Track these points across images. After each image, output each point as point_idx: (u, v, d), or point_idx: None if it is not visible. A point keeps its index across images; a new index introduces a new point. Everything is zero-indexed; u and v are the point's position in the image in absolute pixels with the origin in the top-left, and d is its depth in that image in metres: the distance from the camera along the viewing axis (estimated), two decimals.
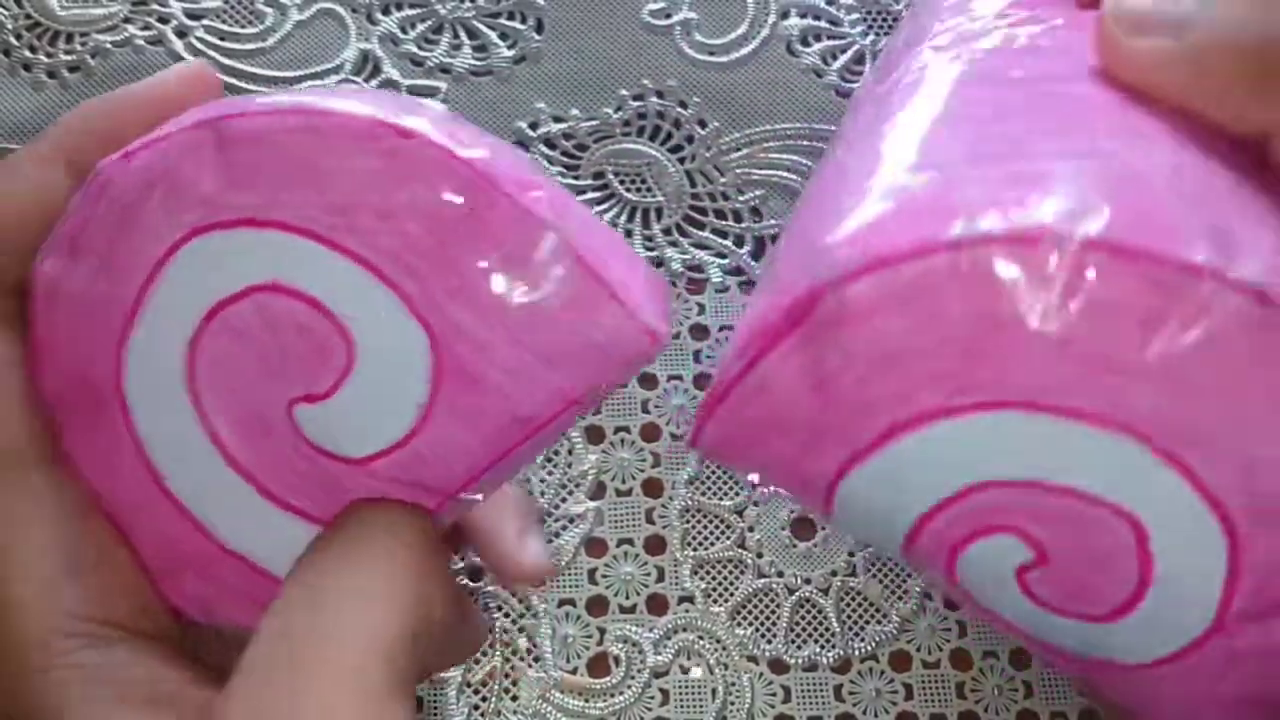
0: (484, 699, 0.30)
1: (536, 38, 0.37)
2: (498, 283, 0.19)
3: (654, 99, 0.36)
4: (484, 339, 0.19)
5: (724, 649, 0.31)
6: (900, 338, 0.17)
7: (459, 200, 0.18)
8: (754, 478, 0.32)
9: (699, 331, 0.34)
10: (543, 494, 0.32)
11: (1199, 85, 0.18)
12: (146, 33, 0.36)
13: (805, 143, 0.36)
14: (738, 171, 0.35)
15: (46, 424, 0.20)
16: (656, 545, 0.32)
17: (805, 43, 0.37)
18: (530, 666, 0.30)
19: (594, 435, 0.32)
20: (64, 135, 0.21)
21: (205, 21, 0.37)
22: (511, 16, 0.37)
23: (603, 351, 0.19)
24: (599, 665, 0.31)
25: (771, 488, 0.32)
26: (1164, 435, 0.16)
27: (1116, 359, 0.16)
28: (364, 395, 0.19)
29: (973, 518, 0.18)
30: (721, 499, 0.32)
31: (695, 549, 0.31)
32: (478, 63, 0.36)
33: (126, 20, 0.36)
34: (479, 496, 0.21)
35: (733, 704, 0.30)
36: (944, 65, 0.20)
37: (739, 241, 0.35)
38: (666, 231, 0.35)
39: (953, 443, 0.17)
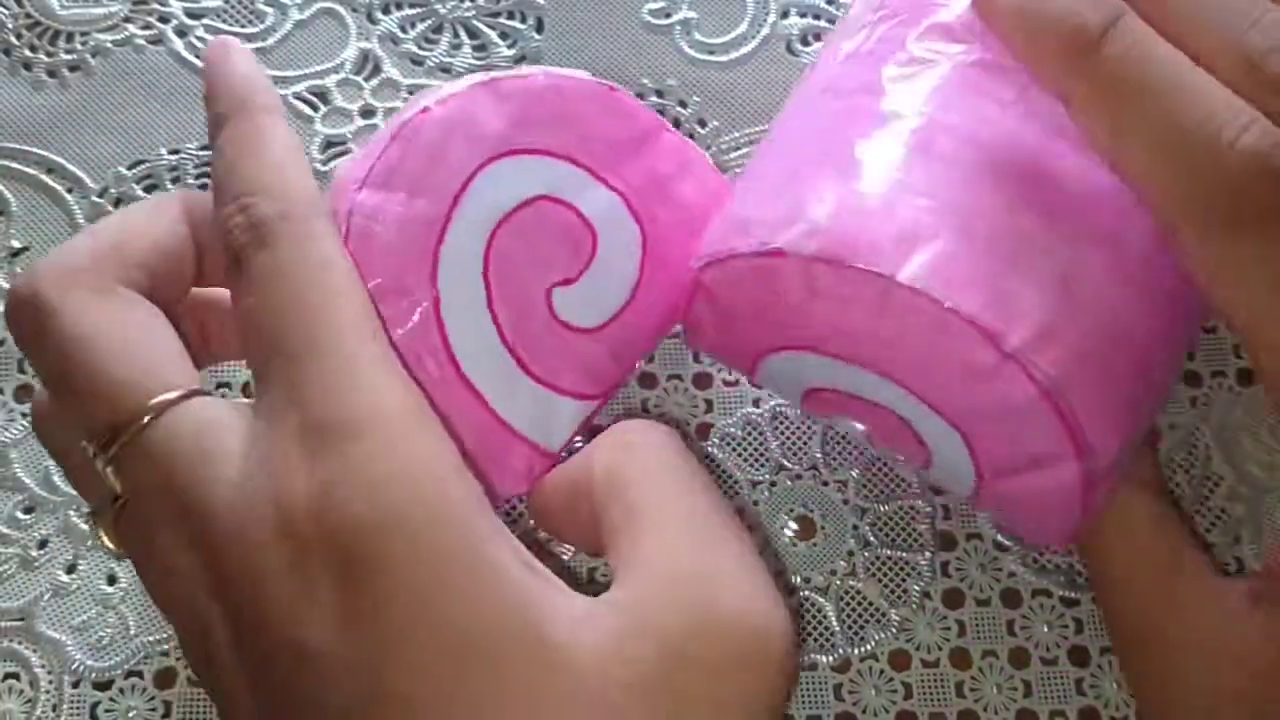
0: None
1: (536, 37, 0.37)
2: (683, 189, 0.28)
3: (654, 98, 0.36)
4: (669, 225, 0.28)
5: None
6: (739, 304, 0.26)
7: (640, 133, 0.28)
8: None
9: None
10: None
11: (1029, 43, 0.24)
12: (147, 32, 0.36)
13: None
14: (738, 171, 0.35)
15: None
16: None
17: (805, 42, 0.37)
18: None
19: (595, 435, 0.32)
20: (186, 194, 0.27)
21: (205, 21, 0.37)
22: (511, 16, 0.37)
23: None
24: None
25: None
26: (893, 368, 0.25)
27: (843, 326, 0.25)
28: (600, 278, 0.27)
29: (829, 403, 0.28)
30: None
31: None
32: (478, 62, 0.36)
33: (127, 19, 0.36)
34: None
35: None
36: (820, 70, 0.28)
37: None
38: None
39: (792, 364, 0.27)
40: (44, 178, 0.35)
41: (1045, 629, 0.31)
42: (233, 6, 0.37)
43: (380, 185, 0.25)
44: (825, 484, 0.32)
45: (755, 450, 0.32)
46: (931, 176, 0.24)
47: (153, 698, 0.30)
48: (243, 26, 0.37)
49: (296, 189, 0.24)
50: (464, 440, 0.24)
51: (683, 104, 0.36)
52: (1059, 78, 0.24)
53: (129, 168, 0.35)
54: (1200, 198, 0.22)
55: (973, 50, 0.25)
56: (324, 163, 0.35)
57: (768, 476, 0.32)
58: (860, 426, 0.29)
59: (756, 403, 0.33)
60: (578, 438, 0.28)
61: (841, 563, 0.31)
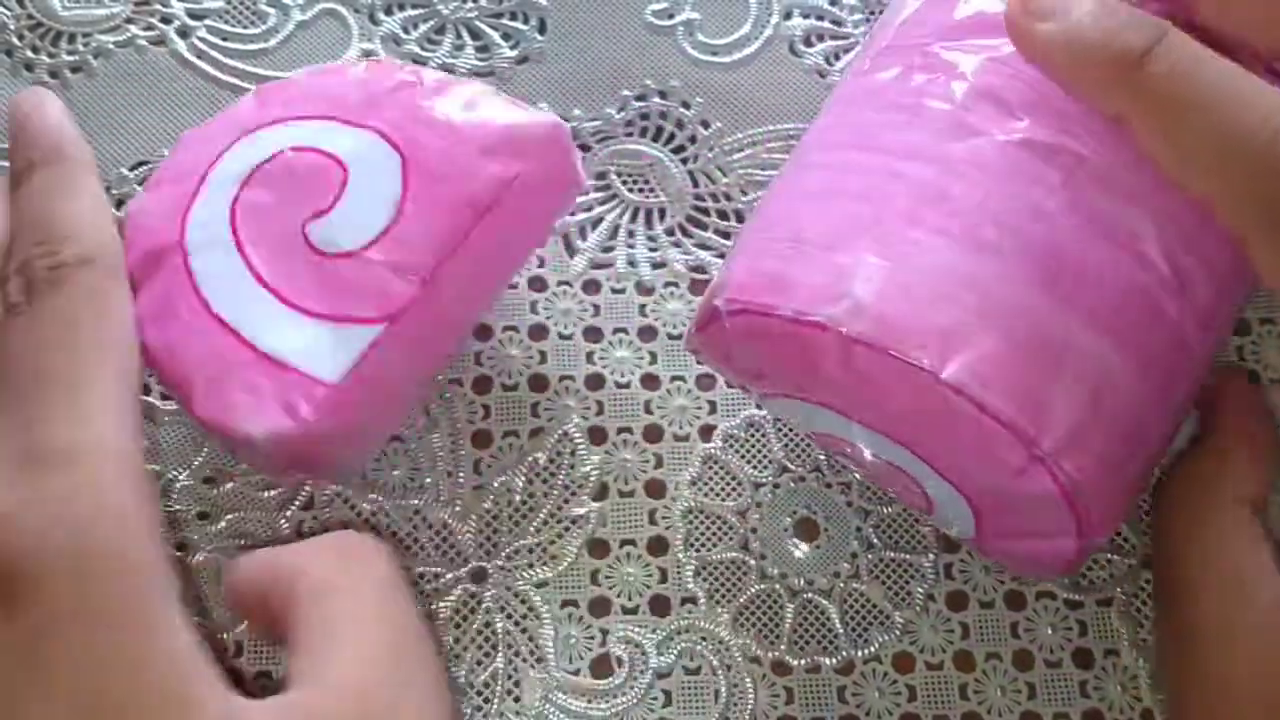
0: (486, 700, 0.30)
1: (539, 38, 0.37)
2: (450, 110, 0.28)
3: (657, 99, 0.36)
4: (436, 144, 0.28)
5: (727, 651, 0.31)
6: (756, 354, 0.27)
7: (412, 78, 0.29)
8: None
9: None
10: (546, 495, 0.32)
11: (1074, 71, 0.24)
12: (149, 33, 0.36)
13: None
14: (740, 172, 0.35)
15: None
16: (659, 546, 0.32)
17: (808, 43, 0.37)
18: (532, 668, 0.30)
19: (596, 436, 0.32)
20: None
21: (208, 22, 0.37)
22: (514, 17, 0.37)
23: (520, 138, 0.28)
24: (601, 667, 0.31)
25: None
26: (915, 443, 0.26)
27: (871, 400, 0.25)
28: (356, 203, 0.27)
29: (835, 443, 0.29)
30: (724, 501, 0.32)
31: (698, 551, 0.31)
32: (480, 63, 0.36)
33: (129, 21, 0.36)
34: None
35: (735, 706, 0.30)
36: (860, 88, 0.28)
37: None
38: (669, 232, 0.35)
39: (804, 411, 0.28)
40: None
41: (1049, 631, 0.31)
42: (234, 7, 0.37)
43: (153, 186, 0.29)
44: (829, 486, 0.32)
45: (758, 452, 0.32)
46: (978, 269, 0.24)
47: None
48: (244, 27, 0.37)
49: (101, 239, 0.26)
50: (228, 379, 0.26)
51: (686, 105, 0.36)
52: (1111, 101, 0.24)
53: (131, 169, 0.35)
54: (1263, 203, 0.23)
55: (1022, 126, 0.25)
56: None
57: (771, 478, 0.32)
58: (860, 467, 0.30)
59: (760, 405, 0.33)
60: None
61: (845, 565, 0.31)
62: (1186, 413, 0.28)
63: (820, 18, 0.37)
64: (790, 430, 0.33)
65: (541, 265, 0.34)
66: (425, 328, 0.27)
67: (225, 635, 0.30)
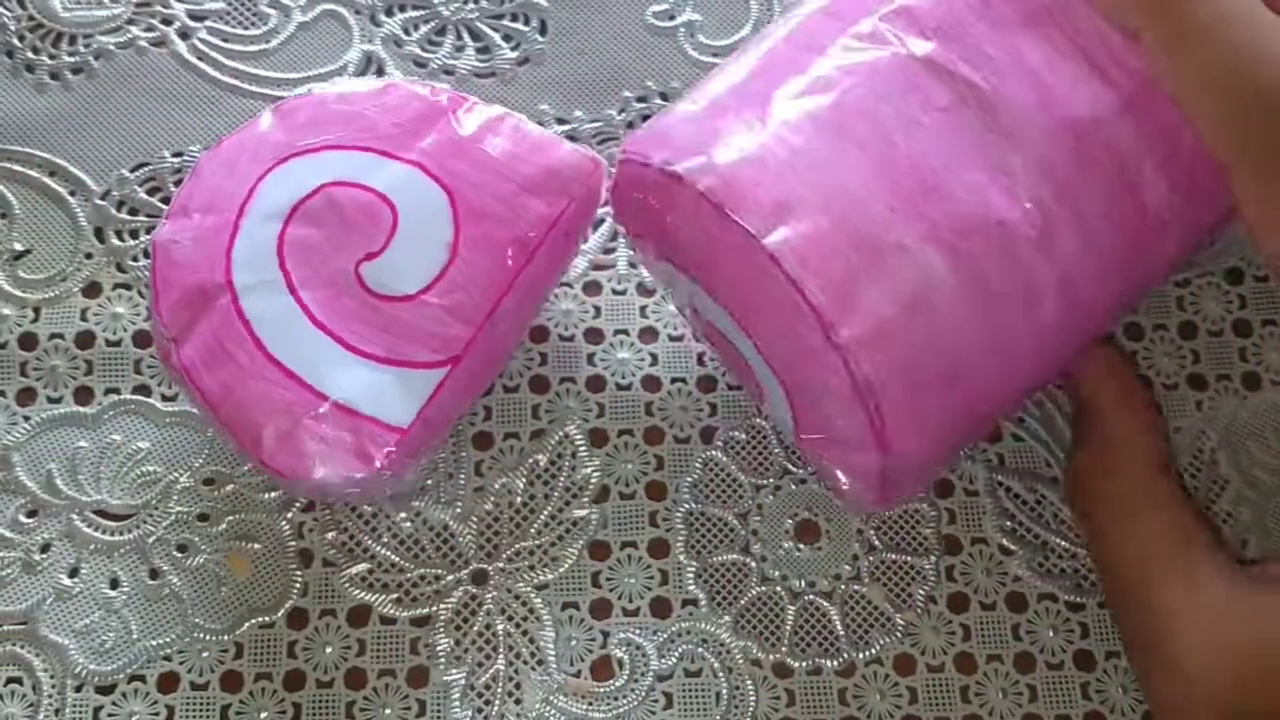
0: (487, 702, 0.30)
1: (540, 39, 0.37)
2: (490, 144, 0.29)
3: (658, 100, 0.36)
4: (481, 181, 0.28)
5: (728, 653, 0.31)
6: (639, 208, 0.27)
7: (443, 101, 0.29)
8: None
9: None
10: (547, 497, 0.32)
11: None
12: (150, 34, 0.36)
13: None
14: None
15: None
16: (660, 549, 0.32)
17: None
18: (534, 670, 0.30)
19: (597, 439, 0.32)
20: None
21: (208, 23, 0.36)
22: (515, 18, 0.37)
23: (563, 177, 0.29)
24: (602, 669, 0.31)
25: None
26: (745, 317, 0.26)
27: (714, 263, 0.26)
28: (407, 243, 0.28)
29: (712, 337, 0.30)
30: (725, 503, 0.32)
31: (699, 553, 0.31)
32: (481, 65, 0.36)
33: (130, 22, 0.36)
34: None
35: (736, 708, 0.30)
36: (805, 10, 0.28)
37: None
38: None
39: (683, 286, 0.28)
40: (46, 180, 0.35)
41: (1050, 633, 0.31)
42: (235, 9, 0.37)
43: (178, 214, 0.28)
44: (830, 488, 0.32)
45: (760, 454, 0.32)
46: (835, 158, 0.24)
47: (155, 702, 0.30)
48: (245, 29, 0.36)
49: None
50: (298, 427, 0.26)
51: None
52: (1128, 14, 0.25)
53: (132, 170, 0.35)
54: (1250, 132, 0.24)
55: (928, 46, 0.25)
56: None
57: (772, 481, 0.32)
58: (724, 354, 0.30)
59: (761, 408, 0.33)
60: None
61: (846, 567, 0.31)
62: (1033, 384, 0.28)
63: None
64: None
65: None
66: (479, 363, 0.28)
67: (227, 637, 0.31)
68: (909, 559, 0.31)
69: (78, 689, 0.30)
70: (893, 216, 0.24)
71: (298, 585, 0.31)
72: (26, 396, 0.33)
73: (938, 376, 0.24)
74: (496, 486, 0.32)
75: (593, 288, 0.34)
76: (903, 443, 0.25)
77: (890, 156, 0.24)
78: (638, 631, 0.31)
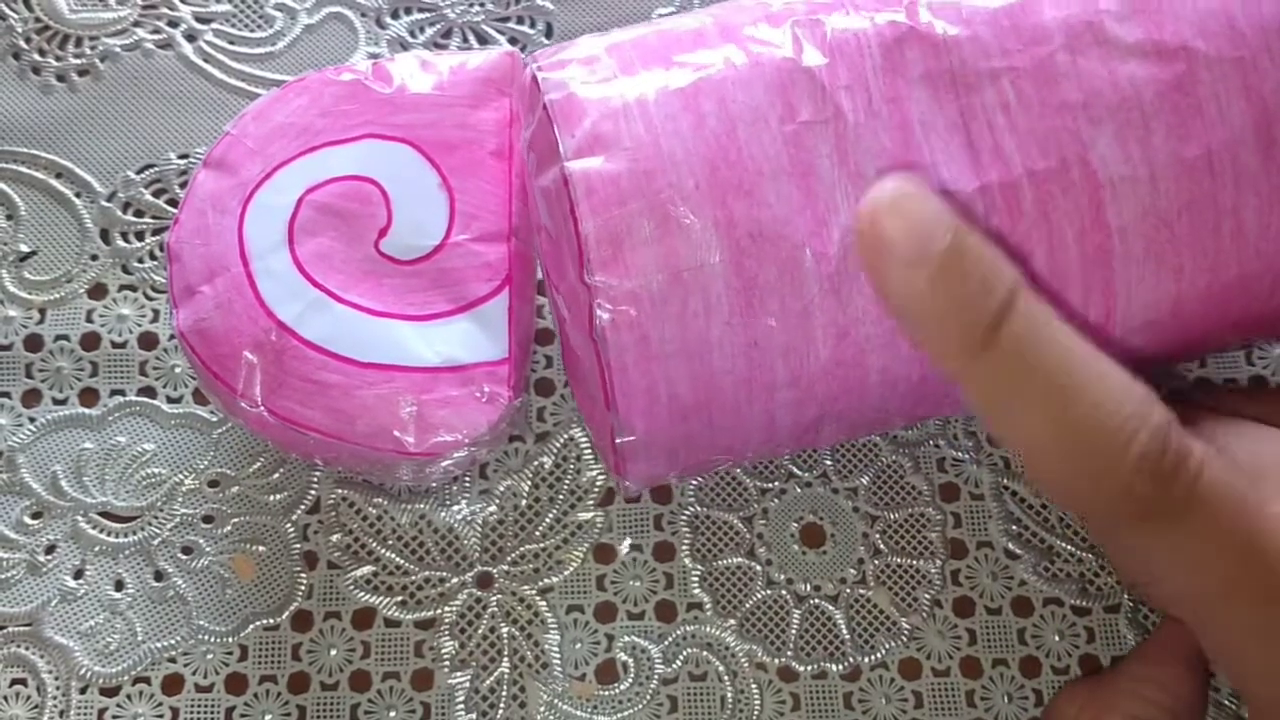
0: (492, 706, 0.30)
1: (545, 42, 0.37)
2: (416, 88, 0.30)
3: None
4: (429, 120, 0.30)
5: (733, 657, 0.31)
6: (536, 123, 0.26)
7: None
8: None
9: None
10: (551, 500, 0.32)
11: (926, 332, 0.21)
12: (156, 36, 0.36)
13: None
14: None
15: None
16: (665, 552, 0.31)
17: None
18: (538, 674, 0.30)
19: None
20: None
21: (214, 25, 0.37)
22: (520, 21, 0.37)
23: (494, 82, 0.31)
24: (607, 672, 0.30)
25: None
26: (551, 227, 0.27)
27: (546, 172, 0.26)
28: (408, 204, 0.29)
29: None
30: (730, 506, 0.32)
31: (704, 556, 0.31)
32: None
33: (136, 24, 0.36)
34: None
35: (742, 712, 0.30)
36: None
37: None
38: None
39: (539, 196, 0.27)
40: (52, 182, 0.35)
41: (1056, 638, 0.31)
42: (241, 11, 0.37)
43: (185, 297, 0.29)
44: (835, 491, 0.32)
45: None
46: (669, 121, 0.24)
47: (160, 704, 0.30)
48: (251, 31, 0.36)
49: None
50: (413, 409, 0.27)
51: None
52: (953, 360, 0.21)
53: (137, 172, 0.35)
54: (1099, 496, 0.22)
55: (820, 60, 0.25)
56: None
57: (777, 484, 0.32)
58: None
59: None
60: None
61: (851, 571, 0.31)
62: (793, 439, 0.27)
63: None
64: None
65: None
66: (522, 275, 0.30)
67: (232, 639, 0.30)
68: (914, 563, 0.31)
69: (82, 691, 0.30)
70: (695, 194, 0.24)
71: (302, 588, 0.31)
72: (32, 398, 0.33)
73: (682, 359, 0.24)
74: (501, 489, 0.32)
75: None
76: (628, 406, 0.25)
77: (723, 143, 0.24)
78: (643, 635, 0.31)
